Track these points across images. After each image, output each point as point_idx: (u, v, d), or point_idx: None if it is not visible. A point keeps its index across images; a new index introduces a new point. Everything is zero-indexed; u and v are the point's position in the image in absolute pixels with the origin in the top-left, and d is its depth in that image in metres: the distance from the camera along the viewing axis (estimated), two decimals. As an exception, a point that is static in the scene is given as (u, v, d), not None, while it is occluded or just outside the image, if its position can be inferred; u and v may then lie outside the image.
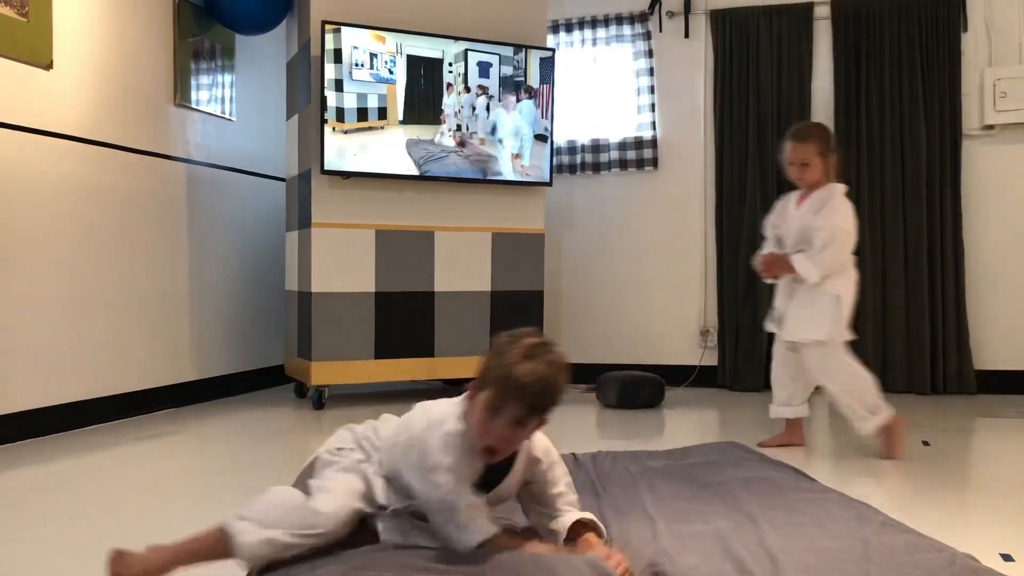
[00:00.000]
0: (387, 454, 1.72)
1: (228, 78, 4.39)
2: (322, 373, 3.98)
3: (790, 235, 3.12)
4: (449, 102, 4.11)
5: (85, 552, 1.94)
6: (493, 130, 4.21)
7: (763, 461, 2.48)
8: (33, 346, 3.23)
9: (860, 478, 2.70)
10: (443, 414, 1.66)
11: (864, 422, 2.99)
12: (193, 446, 3.24)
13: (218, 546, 1.59)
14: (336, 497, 1.62)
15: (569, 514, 1.69)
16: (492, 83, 4.21)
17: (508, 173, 4.26)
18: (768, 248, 3.21)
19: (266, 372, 4.71)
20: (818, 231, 2.97)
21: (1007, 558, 1.84)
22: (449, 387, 4.73)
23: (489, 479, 1.65)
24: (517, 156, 4.27)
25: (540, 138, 4.33)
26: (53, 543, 2.01)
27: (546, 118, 4.34)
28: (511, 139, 4.26)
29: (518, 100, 4.26)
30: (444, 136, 4.11)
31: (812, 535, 1.76)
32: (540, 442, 1.72)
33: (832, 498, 2.06)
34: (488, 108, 4.19)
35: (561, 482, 1.72)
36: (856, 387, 2.99)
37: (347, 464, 1.72)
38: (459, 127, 4.14)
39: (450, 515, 1.56)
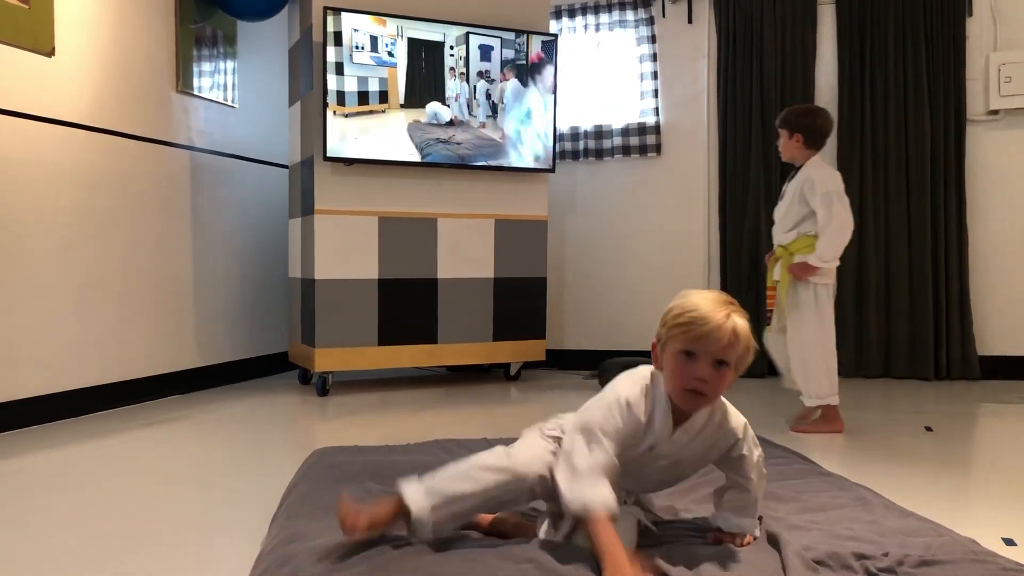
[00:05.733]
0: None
1: (230, 65, 4.38)
2: (326, 360, 3.99)
3: None
4: (451, 86, 4.10)
5: (92, 537, 1.95)
6: (494, 111, 4.20)
7: (766, 445, 2.49)
8: (38, 333, 3.24)
9: (862, 462, 2.70)
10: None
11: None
12: (198, 432, 3.26)
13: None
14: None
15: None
16: (494, 66, 4.20)
17: (510, 157, 4.25)
18: None
19: (270, 359, 4.73)
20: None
21: (1009, 542, 1.84)
22: (452, 373, 4.75)
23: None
24: (516, 139, 4.27)
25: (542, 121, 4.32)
26: (60, 528, 2.02)
27: (548, 98, 4.33)
28: (511, 118, 4.25)
29: (523, 83, 4.25)
30: (445, 121, 4.10)
31: (818, 520, 1.77)
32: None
33: (834, 481, 2.07)
34: (488, 93, 4.19)
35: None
36: None
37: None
38: (461, 111, 4.13)
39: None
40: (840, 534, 1.65)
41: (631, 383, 1.60)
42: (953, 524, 1.78)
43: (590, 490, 1.47)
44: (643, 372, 1.62)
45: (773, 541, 1.63)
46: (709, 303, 1.52)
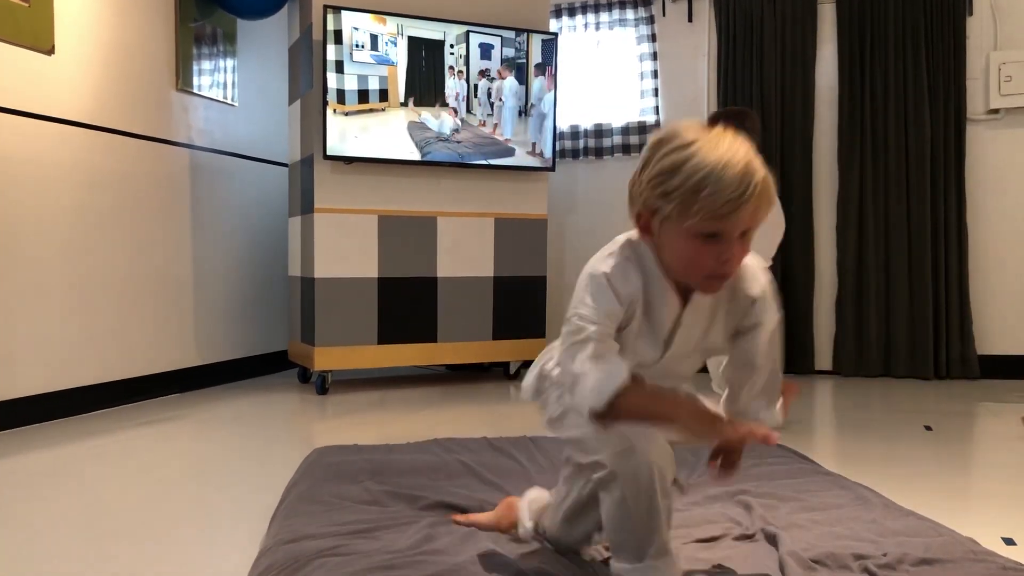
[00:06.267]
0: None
1: (230, 63, 4.38)
2: (325, 358, 3.99)
3: None
4: (450, 85, 4.10)
5: (90, 536, 1.95)
6: (494, 110, 4.20)
7: (763, 446, 2.49)
8: (37, 332, 3.24)
9: (861, 462, 2.70)
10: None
11: None
12: (197, 431, 3.25)
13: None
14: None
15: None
16: (494, 65, 4.20)
17: (510, 155, 4.24)
18: None
19: (270, 358, 4.72)
20: None
21: (1009, 542, 1.84)
22: (451, 372, 4.75)
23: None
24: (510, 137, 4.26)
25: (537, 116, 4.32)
26: (58, 527, 2.02)
27: (550, 91, 4.32)
28: (511, 117, 4.24)
29: (523, 82, 4.25)
30: (445, 120, 4.10)
31: (818, 519, 1.77)
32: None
33: (834, 480, 2.07)
34: (489, 92, 4.18)
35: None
36: None
37: None
38: (460, 110, 4.13)
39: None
40: (839, 533, 1.65)
41: (602, 257, 1.27)
42: (953, 524, 1.78)
43: (591, 381, 1.18)
44: (614, 244, 1.29)
45: (771, 539, 1.63)
46: (730, 162, 1.12)
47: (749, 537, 1.68)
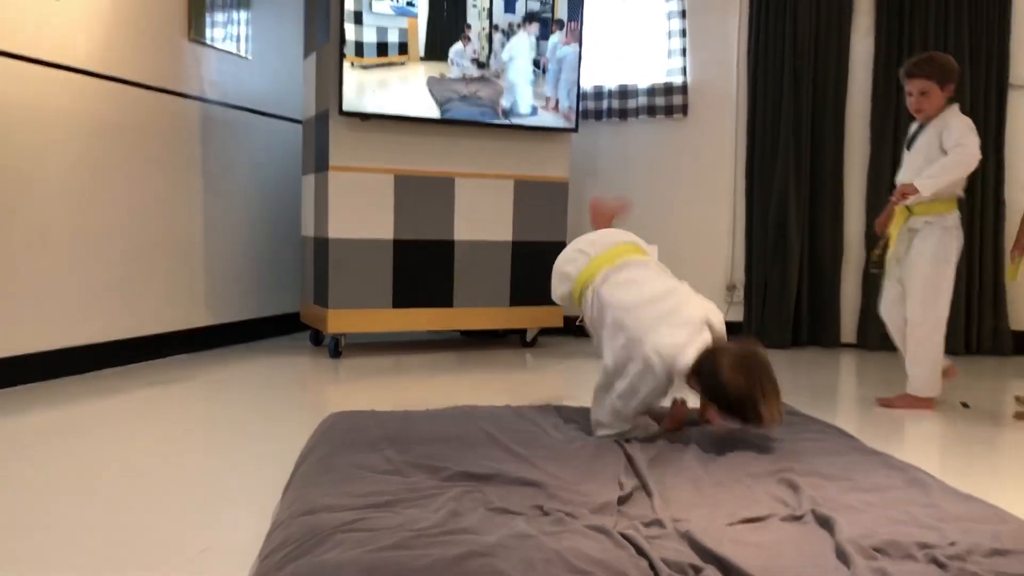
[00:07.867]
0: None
1: (244, 15, 4.22)
2: (339, 321, 3.88)
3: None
4: (473, 39, 3.93)
5: (92, 500, 1.85)
6: (518, 67, 4.04)
7: (807, 420, 2.37)
8: (40, 286, 3.14)
9: (899, 440, 2.59)
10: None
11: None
12: (207, 392, 3.16)
13: None
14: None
15: None
16: (518, 19, 4.02)
17: (532, 115, 4.09)
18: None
19: (282, 319, 4.62)
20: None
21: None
22: (467, 338, 4.64)
23: None
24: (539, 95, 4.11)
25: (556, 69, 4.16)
26: (61, 490, 1.93)
27: (570, 44, 4.16)
28: (534, 75, 4.08)
29: (547, 38, 4.08)
30: (466, 75, 3.94)
31: (872, 501, 1.65)
32: None
33: (883, 460, 1.95)
34: (512, 47, 4.02)
35: None
36: None
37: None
38: (481, 64, 3.97)
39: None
40: (897, 518, 1.53)
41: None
42: (1008, 509, 1.66)
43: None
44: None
45: (823, 523, 1.52)
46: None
47: (798, 518, 1.56)
